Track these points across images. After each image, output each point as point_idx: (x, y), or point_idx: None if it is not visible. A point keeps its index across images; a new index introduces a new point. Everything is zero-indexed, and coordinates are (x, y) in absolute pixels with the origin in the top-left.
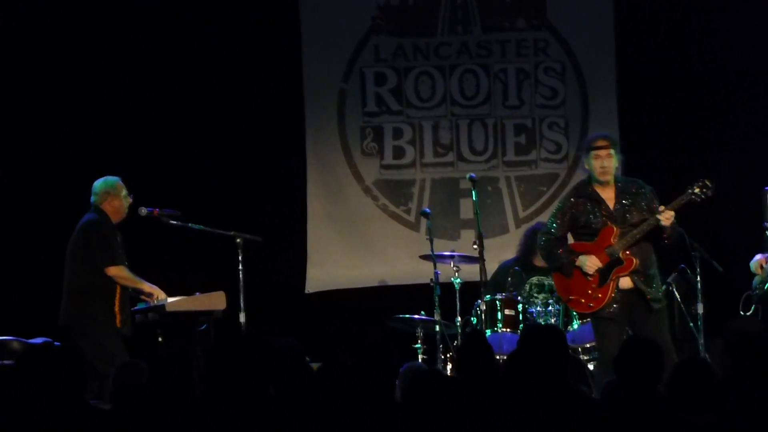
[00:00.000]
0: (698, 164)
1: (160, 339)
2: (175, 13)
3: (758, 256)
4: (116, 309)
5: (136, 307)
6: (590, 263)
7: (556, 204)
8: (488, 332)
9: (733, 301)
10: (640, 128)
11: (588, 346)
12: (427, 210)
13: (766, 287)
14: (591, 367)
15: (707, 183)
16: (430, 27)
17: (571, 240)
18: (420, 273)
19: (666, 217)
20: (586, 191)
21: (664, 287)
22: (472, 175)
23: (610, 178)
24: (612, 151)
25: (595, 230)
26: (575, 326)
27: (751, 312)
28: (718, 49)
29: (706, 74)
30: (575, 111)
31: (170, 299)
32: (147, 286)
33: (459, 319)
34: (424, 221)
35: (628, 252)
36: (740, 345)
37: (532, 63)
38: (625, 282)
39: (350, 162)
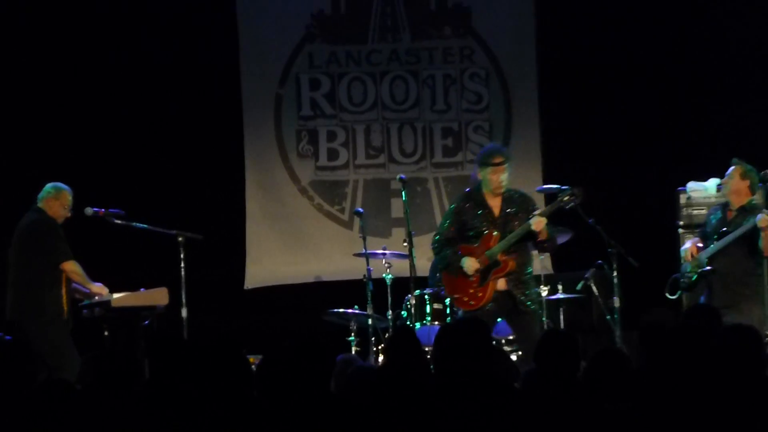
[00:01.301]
0: (616, 167)
1: (105, 333)
2: (119, 20)
3: (688, 244)
4: (63, 302)
5: (83, 303)
6: (468, 264)
7: (448, 207)
8: (418, 325)
9: (649, 295)
10: (560, 132)
11: (511, 338)
12: (360, 209)
13: (694, 277)
14: (514, 357)
15: (575, 192)
16: (362, 35)
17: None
18: (354, 269)
19: (535, 222)
20: (476, 198)
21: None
22: (402, 176)
23: (504, 190)
24: (506, 165)
25: (479, 234)
26: (498, 320)
27: (676, 297)
28: (634, 57)
29: (623, 81)
30: (499, 115)
31: (115, 295)
32: (94, 287)
33: (390, 312)
34: (357, 220)
35: (505, 255)
36: (655, 337)
37: (458, 69)
38: (501, 284)
39: (287, 163)
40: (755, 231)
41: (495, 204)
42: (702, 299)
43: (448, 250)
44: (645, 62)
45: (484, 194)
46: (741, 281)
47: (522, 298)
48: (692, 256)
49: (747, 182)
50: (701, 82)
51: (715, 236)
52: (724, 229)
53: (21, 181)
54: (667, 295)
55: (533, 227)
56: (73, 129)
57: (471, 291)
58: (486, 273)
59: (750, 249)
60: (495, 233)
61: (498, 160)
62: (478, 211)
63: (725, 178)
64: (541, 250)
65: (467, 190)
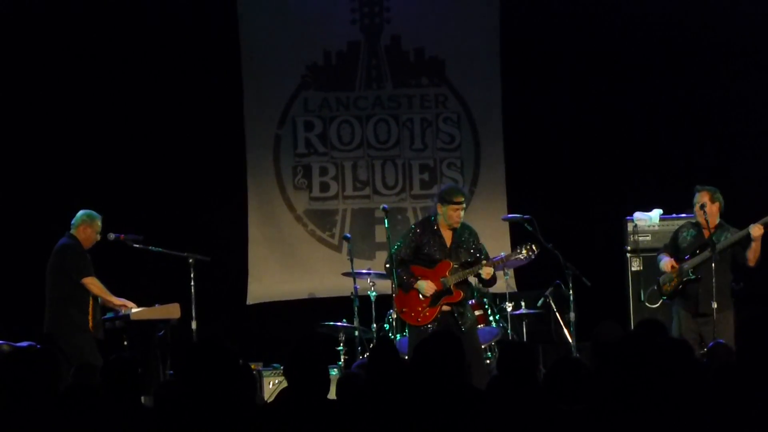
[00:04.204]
0: (572, 198)
1: (125, 343)
2: (143, 57)
3: (665, 258)
4: (89, 316)
5: (105, 316)
6: (428, 287)
7: (403, 232)
8: (398, 336)
9: (600, 310)
10: (523, 167)
11: (484, 346)
12: (348, 235)
13: (680, 286)
14: (487, 362)
15: (533, 247)
16: (350, 84)
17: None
18: (342, 287)
19: (486, 272)
20: (432, 228)
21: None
22: (385, 206)
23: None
24: (464, 205)
25: (434, 260)
26: (480, 326)
27: (658, 305)
28: (586, 105)
29: (578, 124)
30: (469, 153)
31: (134, 309)
32: (116, 300)
33: (374, 325)
34: (345, 244)
35: (457, 287)
36: (605, 347)
37: (434, 114)
38: (446, 306)
39: (284, 195)
40: (736, 244)
41: (447, 235)
42: (674, 308)
43: (400, 269)
44: (595, 110)
45: (439, 224)
46: (721, 291)
47: (460, 322)
48: (672, 267)
49: (717, 204)
50: (644, 128)
51: (697, 251)
52: (714, 242)
53: (55, 209)
54: (647, 303)
55: (483, 276)
56: (104, 165)
57: (419, 309)
58: (437, 297)
59: (730, 262)
60: (451, 263)
61: (459, 199)
62: (433, 238)
63: (700, 204)
64: (485, 285)
65: (425, 217)
